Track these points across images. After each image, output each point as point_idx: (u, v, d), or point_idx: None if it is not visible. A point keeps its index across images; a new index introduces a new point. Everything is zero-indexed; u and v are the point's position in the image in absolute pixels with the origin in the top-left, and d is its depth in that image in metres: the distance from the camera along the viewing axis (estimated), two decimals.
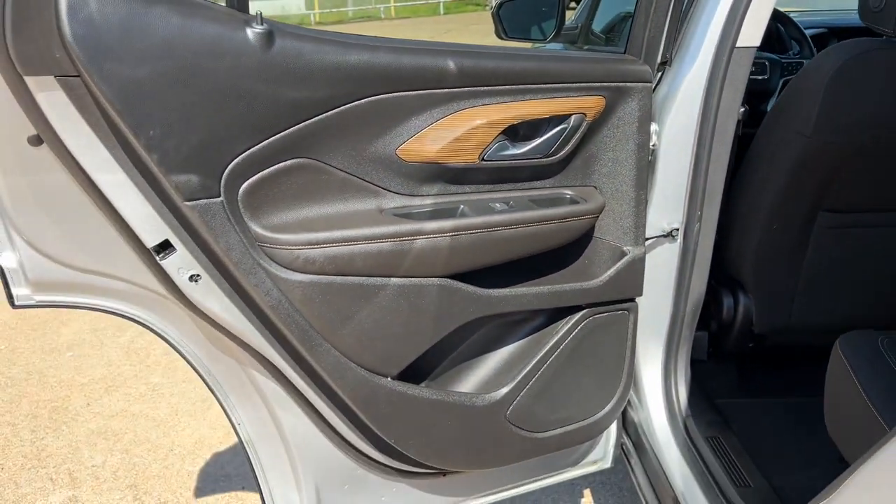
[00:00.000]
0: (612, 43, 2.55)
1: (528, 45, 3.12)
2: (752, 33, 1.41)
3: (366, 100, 1.19)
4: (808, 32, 2.44)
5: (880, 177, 1.56)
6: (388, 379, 1.35)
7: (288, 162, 1.17)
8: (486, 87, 1.28)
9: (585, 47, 2.58)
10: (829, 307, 1.76)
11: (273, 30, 1.10)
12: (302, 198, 1.21)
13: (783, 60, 2.37)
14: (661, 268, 1.60)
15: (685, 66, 1.45)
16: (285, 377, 1.34)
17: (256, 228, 1.17)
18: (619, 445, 1.82)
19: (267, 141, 1.13)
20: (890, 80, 1.44)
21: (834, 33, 2.42)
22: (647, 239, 1.53)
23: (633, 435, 1.79)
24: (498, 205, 1.36)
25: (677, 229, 1.57)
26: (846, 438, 1.36)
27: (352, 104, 1.18)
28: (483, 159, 1.32)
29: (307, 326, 1.23)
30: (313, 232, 1.19)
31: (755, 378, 1.98)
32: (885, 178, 1.57)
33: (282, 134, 1.14)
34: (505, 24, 2.34)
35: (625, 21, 2.54)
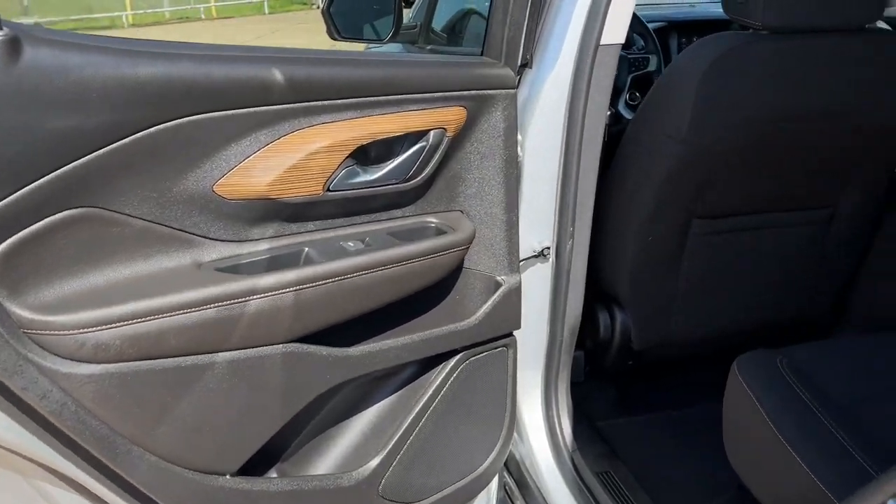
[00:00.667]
0: (455, 42, 2.37)
1: (363, 46, 2.88)
2: (615, 29, 1.27)
3: (165, 125, 0.90)
4: (649, 26, 2.39)
5: (752, 178, 1.48)
6: (228, 477, 1.06)
7: (60, 215, 0.86)
8: (325, 102, 1.03)
9: (428, 47, 2.39)
10: (709, 317, 1.67)
11: (19, 36, 0.78)
12: (85, 261, 0.90)
13: (629, 56, 2.30)
14: (534, 290, 1.43)
15: (546, 68, 1.28)
16: (88, 489, 1.02)
17: (20, 311, 0.85)
18: (503, 486, 1.64)
19: (25, 190, 0.82)
20: (762, 75, 1.35)
21: (674, 27, 2.37)
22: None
23: (515, 473, 1.62)
24: (351, 244, 1.12)
25: (549, 248, 1.40)
26: (750, 468, 1.25)
27: (146, 132, 0.89)
28: (329, 189, 1.07)
29: (107, 431, 0.92)
30: (105, 306, 0.88)
31: (636, 393, 1.87)
32: (756, 179, 1.48)
33: (47, 178, 0.83)
34: (337, 22, 2.08)
35: (466, 18, 2.37)
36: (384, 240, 1.14)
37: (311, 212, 1.09)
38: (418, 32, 2.43)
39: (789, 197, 1.54)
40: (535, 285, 1.44)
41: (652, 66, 2.24)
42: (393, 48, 2.56)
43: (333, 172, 1.06)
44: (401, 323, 1.23)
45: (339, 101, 1.04)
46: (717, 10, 2.63)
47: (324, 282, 1.03)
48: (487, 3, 2.41)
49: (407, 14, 2.48)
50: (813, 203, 1.55)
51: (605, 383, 1.87)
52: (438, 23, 2.44)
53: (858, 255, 1.68)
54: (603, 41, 1.26)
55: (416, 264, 1.14)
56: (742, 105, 1.36)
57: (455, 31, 2.41)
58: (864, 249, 1.68)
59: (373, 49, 2.76)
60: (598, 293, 1.68)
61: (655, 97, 1.47)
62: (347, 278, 1.06)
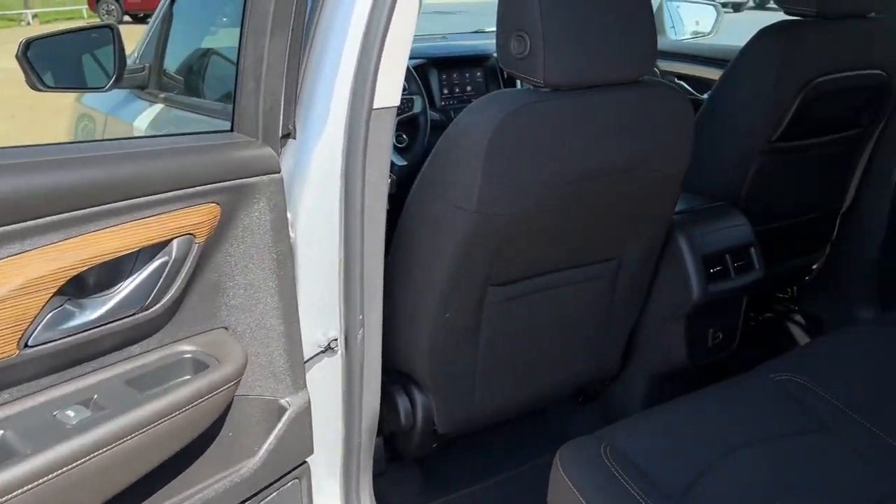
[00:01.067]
0: (195, 88, 2.04)
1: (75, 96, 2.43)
2: (389, 92, 1.09)
3: None
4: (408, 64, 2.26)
5: (545, 240, 1.38)
6: None
7: None
8: (9, 227, 0.72)
9: (161, 95, 2.03)
10: (511, 385, 1.55)
11: None
12: None
13: None
14: (324, 391, 1.21)
15: (313, 137, 1.07)
16: None
17: None
18: None
19: None
20: (548, 135, 1.24)
21: (433, 63, 2.26)
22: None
23: None
24: (71, 412, 0.80)
25: (336, 340, 1.19)
26: None
27: None
28: (28, 346, 0.76)
29: None
30: None
31: (443, 470, 1.71)
32: (549, 240, 1.39)
33: None
34: (39, 69, 1.67)
35: (206, 59, 2.05)
36: (121, 395, 0.84)
37: (3, 379, 0.76)
38: (148, 76, 2.06)
39: (581, 253, 1.47)
40: (325, 385, 1.21)
41: (417, 108, 2.11)
42: (116, 96, 2.16)
43: (33, 321, 0.75)
44: (157, 488, 0.94)
45: (31, 224, 0.73)
46: (470, 42, 2.58)
47: (33, 485, 0.72)
48: (225, 40, 2.11)
49: (132, 54, 2.10)
50: (603, 256, 1.50)
51: (407, 466, 1.68)
52: (172, 64, 2.09)
53: (642, 300, 1.67)
54: (376, 105, 1.07)
55: (170, 421, 0.85)
56: (530, 168, 1.25)
57: (193, 73, 2.08)
58: (648, 294, 1.68)
59: (91, 98, 2.32)
60: (395, 376, 1.49)
61: (438, 165, 1.31)
62: (68, 470, 0.75)
